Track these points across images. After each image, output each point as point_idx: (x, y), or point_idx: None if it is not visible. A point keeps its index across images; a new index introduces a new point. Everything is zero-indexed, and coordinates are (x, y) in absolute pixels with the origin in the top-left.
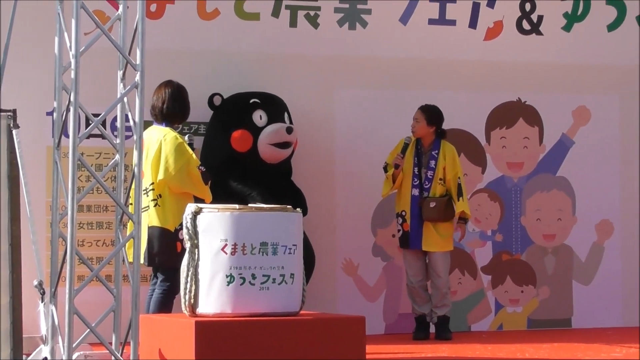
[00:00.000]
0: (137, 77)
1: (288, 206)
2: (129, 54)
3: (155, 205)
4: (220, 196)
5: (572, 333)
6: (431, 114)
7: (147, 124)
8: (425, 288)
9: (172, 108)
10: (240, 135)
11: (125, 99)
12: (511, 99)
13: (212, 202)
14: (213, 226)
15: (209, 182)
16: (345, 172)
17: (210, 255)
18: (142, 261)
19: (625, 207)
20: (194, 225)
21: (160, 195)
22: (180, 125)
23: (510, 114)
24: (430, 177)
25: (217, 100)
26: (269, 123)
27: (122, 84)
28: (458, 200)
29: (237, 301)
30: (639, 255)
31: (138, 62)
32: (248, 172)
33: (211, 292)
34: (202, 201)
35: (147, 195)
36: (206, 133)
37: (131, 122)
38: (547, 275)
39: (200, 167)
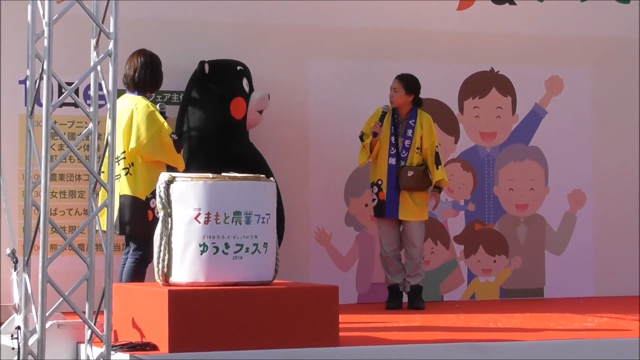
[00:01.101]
0: (111, 46)
1: (261, 175)
2: (103, 23)
3: (126, 174)
4: (221, 161)
5: (544, 303)
6: (409, 83)
7: (120, 93)
8: (399, 258)
9: (144, 77)
10: (239, 102)
11: (98, 68)
12: (484, 69)
13: (216, 169)
14: (186, 195)
15: (182, 150)
16: (318, 142)
17: (184, 224)
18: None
19: (597, 177)
20: (167, 194)
21: (132, 164)
22: (153, 95)
23: (483, 83)
24: (408, 146)
25: (207, 68)
26: (250, 91)
27: (95, 53)
28: (437, 168)
29: (211, 270)
30: (611, 226)
31: (111, 30)
32: (245, 138)
33: (184, 261)
34: (175, 169)
35: (119, 164)
36: (194, 100)
37: (104, 91)
38: (519, 245)
39: (172, 135)
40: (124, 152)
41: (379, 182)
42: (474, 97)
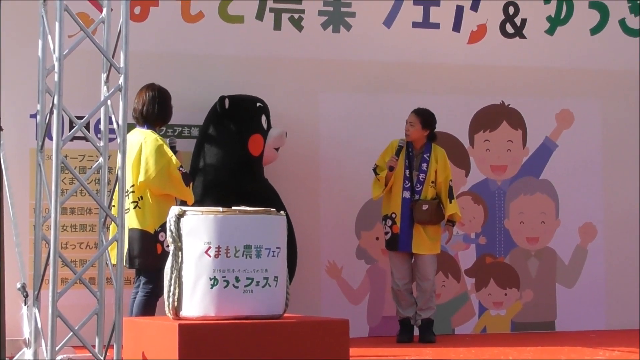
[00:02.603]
0: (121, 80)
1: (272, 209)
2: (113, 57)
3: (135, 207)
4: (237, 197)
5: (555, 336)
6: (426, 118)
7: (130, 127)
8: (411, 291)
9: (153, 111)
10: (257, 139)
11: (109, 102)
12: (495, 102)
13: (231, 204)
14: (197, 229)
15: (191, 184)
16: (329, 175)
17: (194, 258)
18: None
19: (608, 210)
20: (178, 228)
21: (141, 198)
22: (164, 129)
23: (493, 117)
24: (422, 179)
25: (227, 104)
26: (268, 127)
27: (105, 87)
28: (450, 202)
29: (221, 304)
30: (622, 258)
31: (122, 65)
32: (261, 174)
33: (195, 295)
34: (185, 203)
35: (128, 197)
36: (212, 135)
37: (115, 125)
38: (530, 278)
39: (181, 169)
40: (132, 185)
41: (393, 216)
42: (485, 130)
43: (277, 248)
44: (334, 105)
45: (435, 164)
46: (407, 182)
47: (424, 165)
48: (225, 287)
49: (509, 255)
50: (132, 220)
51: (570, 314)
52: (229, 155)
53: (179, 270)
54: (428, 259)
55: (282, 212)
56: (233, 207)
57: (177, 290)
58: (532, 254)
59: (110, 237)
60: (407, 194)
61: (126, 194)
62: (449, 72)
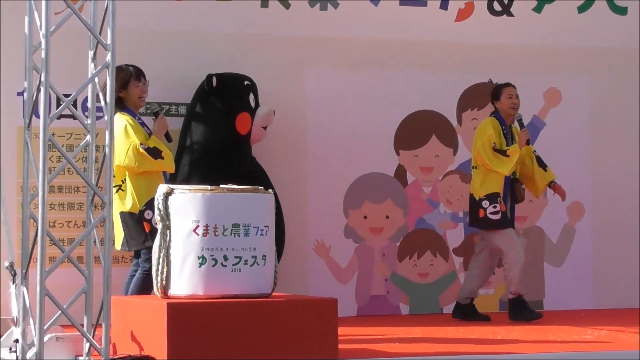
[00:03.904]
0: (108, 57)
1: (260, 187)
2: (100, 34)
3: (117, 191)
4: (224, 175)
5: (544, 315)
6: None
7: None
8: None
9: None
10: (245, 117)
11: (96, 79)
12: (482, 81)
13: (218, 183)
14: (185, 207)
15: (160, 154)
16: (317, 153)
17: (182, 237)
18: (118, 248)
19: (596, 189)
20: (166, 207)
21: (123, 181)
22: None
23: (481, 95)
24: None
25: (214, 82)
26: (256, 106)
27: (93, 64)
28: (546, 170)
29: (209, 283)
30: (610, 237)
31: (109, 42)
32: (249, 153)
33: (183, 273)
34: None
35: (114, 177)
36: (199, 113)
37: (102, 103)
38: None
39: (142, 146)
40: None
41: (499, 194)
42: (473, 108)
43: (265, 227)
44: (322, 83)
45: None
46: None
47: (512, 141)
48: (213, 266)
49: None
50: (116, 205)
51: (559, 293)
52: (217, 133)
53: (167, 249)
54: None
55: (270, 190)
56: (221, 186)
57: (165, 269)
58: (520, 232)
59: (98, 215)
60: None
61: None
62: (436, 50)
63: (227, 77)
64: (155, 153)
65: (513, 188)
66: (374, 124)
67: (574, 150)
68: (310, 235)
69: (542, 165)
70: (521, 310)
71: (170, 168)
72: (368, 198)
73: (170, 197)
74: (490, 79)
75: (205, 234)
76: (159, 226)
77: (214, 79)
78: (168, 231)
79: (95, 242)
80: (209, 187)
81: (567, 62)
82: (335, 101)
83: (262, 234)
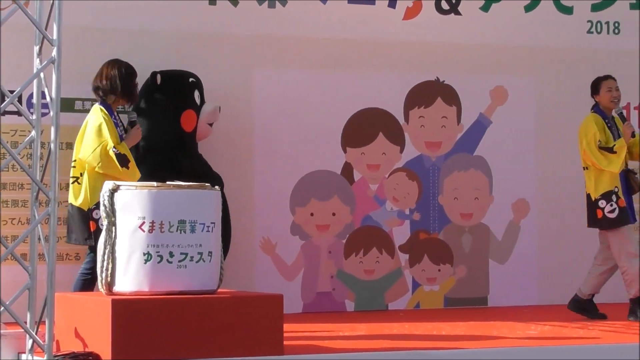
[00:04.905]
0: (54, 53)
1: (206, 184)
2: (46, 29)
3: (73, 183)
4: (168, 173)
5: (488, 311)
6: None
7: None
8: None
9: (119, 88)
10: (190, 115)
11: (41, 75)
12: (429, 79)
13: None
14: (131, 204)
15: (129, 164)
16: (263, 151)
17: (128, 233)
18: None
19: (541, 186)
20: (112, 203)
21: (81, 174)
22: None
23: (428, 93)
24: None
25: (159, 79)
26: (201, 103)
27: (38, 60)
28: None
29: (155, 279)
30: (555, 234)
31: (55, 37)
32: (194, 150)
33: (128, 270)
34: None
35: (73, 168)
36: (144, 111)
37: (47, 99)
38: (464, 254)
39: (114, 150)
40: (74, 160)
41: (616, 190)
42: (420, 106)
43: (211, 223)
44: (269, 81)
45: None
46: None
47: (617, 133)
48: (159, 262)
49: (442, 231)
50: (70, 196)
51: (503, 290)
52: (162, 131)
53: (112, 246)
54: None
55: (216, 187)
56: (167, 182)
57: (110, 266)
58: (466, 230)
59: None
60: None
61: (72, 165)
62: (384, 49)
63: (172, 75)
64: (123, 160)
65: (627, 180)
66: (321, 122)
67: (520, 148)
68: (256, 232)
69: None
70: None
71: (132, 179)
72: (315, 195)
73: (116, 194)
74: (437, 77)
75: (151, 231)
76: (105, 223)
77: (159, 77)
78: (113, 227)
79: (39, 238)
80: (155, 183)
81: (513, 60)
82: (283, 98)
83: (208, 231)
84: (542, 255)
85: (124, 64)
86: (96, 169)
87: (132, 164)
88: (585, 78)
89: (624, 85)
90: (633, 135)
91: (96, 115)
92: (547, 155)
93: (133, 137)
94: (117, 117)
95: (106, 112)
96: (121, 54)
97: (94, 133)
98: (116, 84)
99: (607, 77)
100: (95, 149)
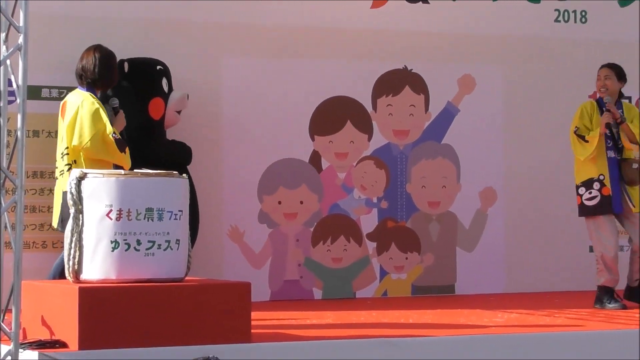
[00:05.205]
0: (21, 39)
1: (174, 172)
2: (12, 17)
3: (68, 170)
4: (138, 162)
5: (455, 299)
6: (619, 70)
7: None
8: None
9: (97, 73)
10: (157, 102)
11: (8, 62)
12: (397, 67)
13: (134, 168)
14: (98, 191)
15: (126, 149)
16: (231, 139)
17: (95, 221)
18: (55, 226)
19: (508, 175)
20: (79, 191)
21: (75, 161)
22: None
23: (396, 81)
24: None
25: (126, 67)
26: (169, 91)
27: (4, 47)
28: None
29: (122, 267)
30: (521, 223)
31: (21, 24)
32: (163, 138)
33: (95, 258)
34: (121, 168)
35: (63, 159)
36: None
37: (14, 86)
38: (431, 242)
39: (114, 135)
40: (67, 147)
41: (601, 177)
42: (388, 95)
43: (179, 211)
44: (237, 68)
45: (630, 124)
46: (609, 142)
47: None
48: (126, 250)
49: (410, 220)
50: (64, 184)
51: (470, 278)
52: (130, 119)
53: (80, 233)
54: None
55: (184, 175)
56: (135, 170)
57: (77, 254)
58: (433, 218)
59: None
60: (611, 154)
61: (62, 155)
62: (353, 37)
63: (139, 62)
64: (122, 145)
65: (620, 169)
66: (289, 110)
67: (487, 136)
68: (224, 220)
69: None
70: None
71: (128, 165)
72: (282, 183)
73: (83, 181)
74: (405, 66)
75: (118, 218)
76: (72, 211)
77: (126, 64)
78: (81, 215)
79: (5, 226)
80: (122, 171)
81: (481, 49)
82: (251, 86)
83: (176, 219)
84: (509, 244)
85: (104, 49)
86: (94, 154)
87: (127, 149)
88: (552, 67)
89: (588, 75)
90: (617, 125)
91: (88, 101)
92: (515, 144)
93: (119, 123)
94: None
95: (97, 99)
96: (89, 41)
97: (91, 119)
98: (98, 70)
99: (602, 66)
100: (94, 134)
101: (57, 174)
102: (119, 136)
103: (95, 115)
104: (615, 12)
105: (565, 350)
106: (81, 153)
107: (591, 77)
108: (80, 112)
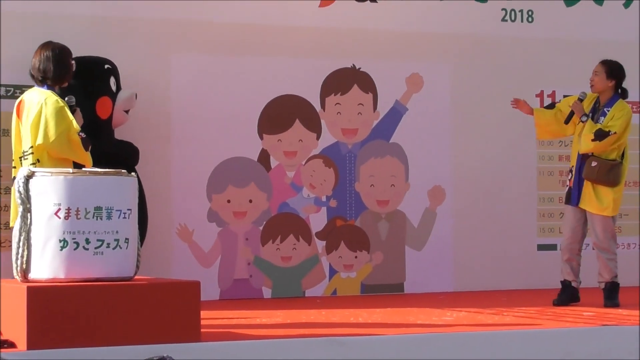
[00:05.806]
0: None
1: (123, 170)
2: None
3: None
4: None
5: (404, 298)
6: (612, 68)
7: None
8: (576, 252)
9: (51, 70)
10: (105, 101)
11: None
12: (346, 66)
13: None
14: (46, 190)
15: (89, 148)
16: (180, 137)
17: (44, 220)
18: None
19: (456, 173)
20: (27, 189)
21: (38, 160)
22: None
23: (344, 80)
24: None
25: (74, 66)
26: (117, 90)
27: None
28: (593, 141)
29: (71, 266)
30: (470, 221)
31: None
32: (111, 137)
33: (44, 257)
34: (82, 166)
35: (26, 159)
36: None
37: None
38: (380, 240)
39: (80, 134)
40: (31, 147)
41: (572, 169)
42: (336, 93)
43: (128, 210)
44: (186, 66)
45: (610, 120)
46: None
47: (601, 119)
48: (75, 249)
49: (359, 218)
50: None
51: (419, 276)
52: None
53: (28, 232)
54: (597, 220)
55: (133, 173)
56: (83, 169)
57: (25, 252)
58: (382, 216)
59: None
60: None
61: (24, 155)
62: (301, 35)
63: (86, 61)
64: (86, 144)
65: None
66: (237, 108)
67: (435, 135)
68: (173, 219)
69: (600, 137)
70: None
71: (90, 163)
72: (231, 182)
73: (31, 180)
74: (353, 64)
75: (67, 217)
76: (20, 209)
77: (73, 63)
78: (29, 214)
79: None
80: (70, 170)
81: (429, 48)
82: (199, 85)
83: (124, 217)
84: (457, 242)
85: (57, 45)
86: (59, 153)
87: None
88: (499, 65)
89: (535, 73)
90: (570, 117)
91: (52, 99)
92: (462, 143)
93: (77, 120)
94: None
95: (58, 96)
96: (36, 39)
97: (55, 117)
98: (52, 67)
99: (599, 62)
100: (61, 133)
101: (14, 173)
102: (84, 135)
103: (60, 113)
104: (562, 12)
105: (513, 349)
106: (45, 152)
107: (537, 76)
108: (44, 110)
